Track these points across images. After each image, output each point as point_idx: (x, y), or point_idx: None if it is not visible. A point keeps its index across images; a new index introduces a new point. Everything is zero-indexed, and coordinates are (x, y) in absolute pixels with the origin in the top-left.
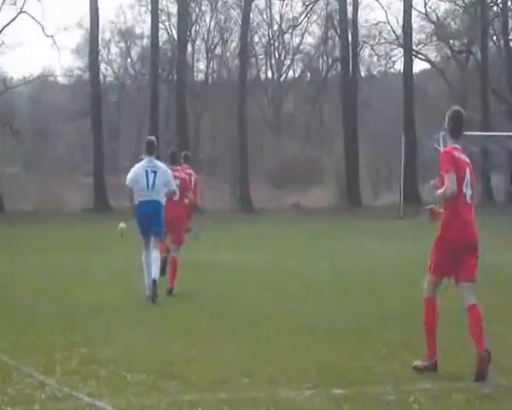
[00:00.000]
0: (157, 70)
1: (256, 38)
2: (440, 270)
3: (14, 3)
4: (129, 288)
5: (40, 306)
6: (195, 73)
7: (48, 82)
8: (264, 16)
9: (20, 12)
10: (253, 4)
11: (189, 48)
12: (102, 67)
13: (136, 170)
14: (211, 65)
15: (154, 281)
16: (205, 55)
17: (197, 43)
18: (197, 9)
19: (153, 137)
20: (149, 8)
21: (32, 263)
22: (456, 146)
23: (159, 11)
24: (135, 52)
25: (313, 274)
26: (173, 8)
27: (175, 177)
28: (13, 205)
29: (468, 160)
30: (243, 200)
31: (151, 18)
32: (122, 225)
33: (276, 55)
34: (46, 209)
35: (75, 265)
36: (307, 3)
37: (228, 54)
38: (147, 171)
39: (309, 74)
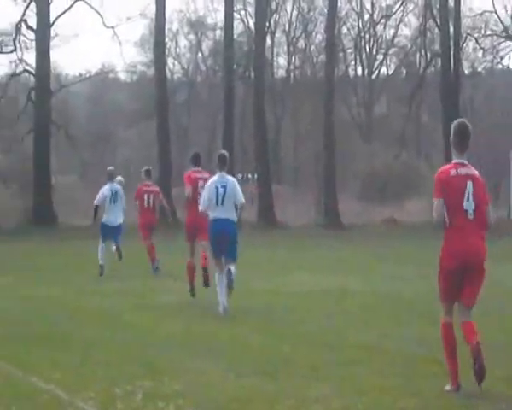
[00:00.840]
0: (232, 66)
1: (344, 30)
2: (444, 294)
3: None
4: (196, 314)
5: (98, 334)
6: (275, 70)
7: (108, 79)
8: (354, 5)
9: (77, 0)
10: None
11: (268, 40)
12: (169, 62)
13: (208, 188)
14: (293, 60)
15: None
16: (286, 48)
17: (277, 35)
18: None
19: (225, 152)
20: None
21: (88, 285)
22: (460, 161)
23: None
24: (206, 45)
25: (411, 298)
26: None
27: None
28: (67, 219)
29: (473, 172)
30: (329, 214)
31: (225, 6)
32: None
33: (367, 50)
34: None
35: (136, 288)
36: None
37: (312, 47)
38: (217, 187)
39: (404, 71)
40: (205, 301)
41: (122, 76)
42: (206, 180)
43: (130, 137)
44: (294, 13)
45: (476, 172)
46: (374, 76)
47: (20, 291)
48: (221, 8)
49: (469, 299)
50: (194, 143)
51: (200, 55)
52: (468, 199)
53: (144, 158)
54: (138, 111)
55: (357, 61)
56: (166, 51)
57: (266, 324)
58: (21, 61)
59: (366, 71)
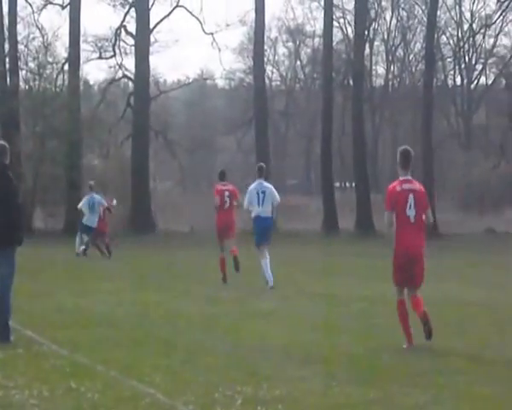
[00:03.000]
0: (330, 74)
1: (443, 39)
2: (397, 279)
3: None
4: (296, 322)
5: (200, 340)
6: (374, 78)
7: (206, 86)
8: (453, 14)
9: (176, 6)
10: (441, 0)
11: (367, 49)
12: (268, 69)
13: (250, 193)
14: (391, 69)
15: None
16: (384, 57)
17: (376, 43)
18: (376, 5)
19: (263, 164)
20: (322, 3)
21: (190, 291)
22: (405, 177)
23: (333, 7)
24: (305, 53)
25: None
26: (349, 4)
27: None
28: (166, 225)
29: (414, 186)
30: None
31: (324, 14)
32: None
33: (466, 59)
34: (202, 230)
35: (236, 295)
36: (502, 0)
37: (411, 56)
38: (258, 192)
39: (504, 81)
40: (305, 310)
41: (220, 83)
42: (229, 191)
43: (228, 144)
44: (393, 21)
45: (417, 186)
46: (473, 86)
47: (122, 297)
48: (320, 16)
49: (418, 280)
50: (292, 151)
51: (298, 62)
52: (410, 208)
53: (242, 164)
54: (237, 118)
55: (457, 71)
56: (265, 59)
57: (366, 331)
58: (120, 66)
59: (465, 80)
